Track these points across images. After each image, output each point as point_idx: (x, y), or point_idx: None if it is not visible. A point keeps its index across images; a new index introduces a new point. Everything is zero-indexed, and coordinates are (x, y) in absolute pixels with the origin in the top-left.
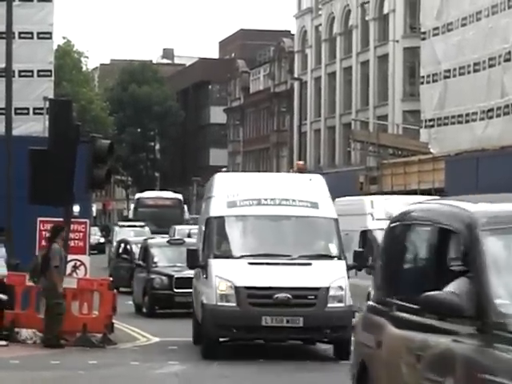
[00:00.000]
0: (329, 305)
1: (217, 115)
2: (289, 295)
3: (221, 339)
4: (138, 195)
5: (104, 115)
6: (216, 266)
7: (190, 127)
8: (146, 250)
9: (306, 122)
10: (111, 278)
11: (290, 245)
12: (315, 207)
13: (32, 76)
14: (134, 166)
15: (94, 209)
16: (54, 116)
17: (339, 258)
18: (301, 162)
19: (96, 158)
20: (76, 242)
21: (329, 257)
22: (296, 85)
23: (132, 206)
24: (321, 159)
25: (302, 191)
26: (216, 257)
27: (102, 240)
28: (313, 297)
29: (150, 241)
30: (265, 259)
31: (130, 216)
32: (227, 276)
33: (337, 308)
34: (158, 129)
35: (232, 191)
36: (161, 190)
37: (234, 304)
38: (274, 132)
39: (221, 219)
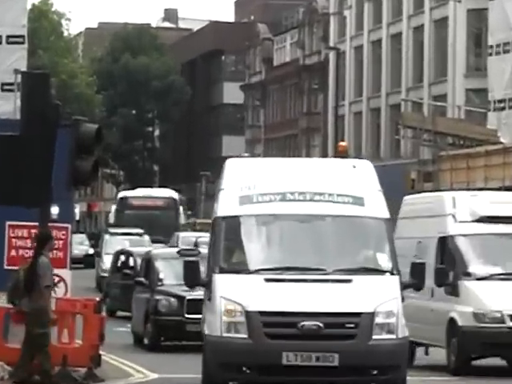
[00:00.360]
0: (374, 336)
1: (232, 93)
2: (319, 323)
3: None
4: (121, 194)
5: (90, 92)
6: (221, 283)
7: (198, 108)
8: (148, 263)
9: (343, 103)
10: (106, 298)
11: (323, 255)
12: (360, 204)
13: (0, 43)
14: (127, 157)
15: (77, 211)
16: (28, 93)
17: (391, 273)
18: (343, 143)
19: (80, 147)
20: (54, 252)
21: (377, 271)
22: (331, 56)
23: (113, 207)
24: (362, 149)
25: (342, 182)
26: (223, 271)
27: (92, 251)
28: (352, 325)
29: (154, 252)
30: (288, 274)
31: (111, 220)
32: (236, 297)
33: (386, 341)
34: (157, 110)
35: (247, 182)
36: (160, 186)
37: (245, 335)
38: (303, 115)
39: (231, 220)
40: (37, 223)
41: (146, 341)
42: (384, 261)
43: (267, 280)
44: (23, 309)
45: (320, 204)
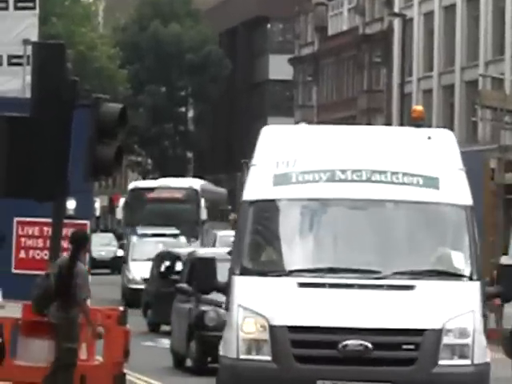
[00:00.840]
0: (441, 362)
1: (279, 68)
2: (367, 343)
3: None
4: (132, 184)
5: (112, 67)
6: (241, 287)
7: (239, 85)
8: (193, 267)
9: (410, 79)
10: (148, 310)
11: (379, 252)
12: (433, 186)
13: (6, 9)
14: (156, 143)
15: (97, 205)
16: (40, 67)
17: (470, 278)
18: (419, 108)
19: (101, 130)
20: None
21: (450, 275)
22: (396, 23)
23: (122, 200)
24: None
25: (411, 157)
26: (245, 272)
27: (121, 253)
28: (412, 347)
29: (199, 252)
30: (330, 278)
31: (119, 216)
32: (258, 306)
33: (456, 368)
34: (191, 87)
35: (286, 156)
36: (195, 176)
37: (269, 357)
38: (363, 93)
39: (261, 205)
40: (50, 219)
41: (188, 362)
42: (461, 262)
43: (301, 285)
44: (51, 320)
45: (380, 186)
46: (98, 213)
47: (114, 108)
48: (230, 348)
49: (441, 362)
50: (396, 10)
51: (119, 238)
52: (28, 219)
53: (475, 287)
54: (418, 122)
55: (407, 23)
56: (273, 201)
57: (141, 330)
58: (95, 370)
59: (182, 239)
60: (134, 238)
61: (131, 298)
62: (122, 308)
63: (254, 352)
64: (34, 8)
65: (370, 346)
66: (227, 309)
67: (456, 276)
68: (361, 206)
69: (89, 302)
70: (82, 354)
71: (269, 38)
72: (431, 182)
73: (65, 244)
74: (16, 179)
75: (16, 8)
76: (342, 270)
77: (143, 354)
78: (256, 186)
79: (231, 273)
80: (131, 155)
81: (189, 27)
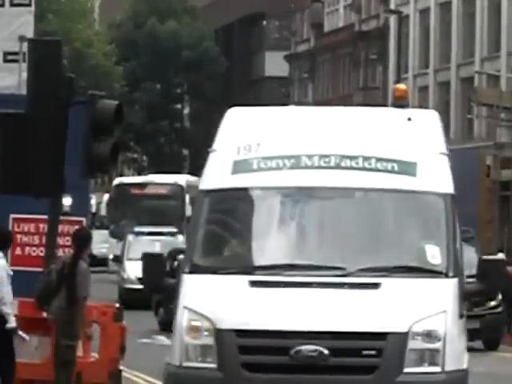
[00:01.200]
0: (407, 369)
1: (275, 65)
2: (323, 349)
3: None
4: (117, 180)
5: (108, 64)
6: (189, 287)
7: (236, 82)
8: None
9: (406, 76)
10: (159, 309)
11: (345, 247)
12: (410, 172)
13: (2, 6)
14: (151, 139)
15: (92, 202)
16: (36, 64)
17: (446, 275)
18: (402, 86)
19: (97, 127)
20: (66, 250)
21: (423, 271)
22: (392, 20)
23: (106, 196)
24: None
25: (387, 141)
26: (195, 270)
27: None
28: (373, 352)
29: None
30: (287, 275)
31: (102, 212)
32: (205, 308)
33: (424, 375)
34: (187, 84)
35: (248, 141)
36: (190, 173)
37: (214, 365)
38: (359, 90)
39: (216, 196)
40: (46, 216)
41: None
42: (437, 256)
43: (253, 283)
44: (51, 316)
45: (349, 172)
46: (93, 209)
47: (109, 105)
48: (174, 354)
49: (406, 370)
50: (392, 6)
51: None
52: (24, 216)
53: (450, 285)
54: (401, 102)
55: (403, 20)
56: (230, 190)
57: (152, 329)
58: (91, 367)
59: (180, 238)
60: (130, 237)
61: (127, 298)
62: (117, 305)
63: (198, 359)
64: (29, 5)
65: (325, 351)
66: (175, 311)
67: (429, 272)
68: (327, 195)
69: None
70: (78, 351)
71: (265, 35)
72: (408, 168)
73: (61, 241)
74: (12, 176)
75: (12, 5)
76: (302, 267)
77: (140, 352)
78: (213, 174)
79: (182, 270)
80: (127, 152)
81: (185, 24)
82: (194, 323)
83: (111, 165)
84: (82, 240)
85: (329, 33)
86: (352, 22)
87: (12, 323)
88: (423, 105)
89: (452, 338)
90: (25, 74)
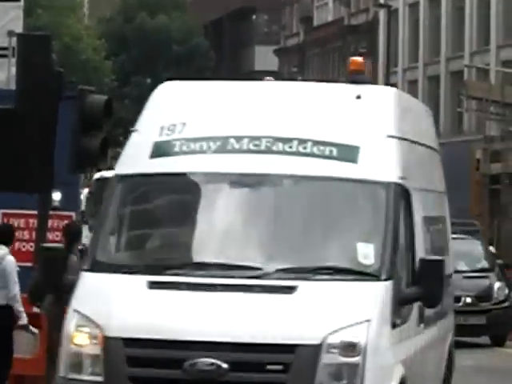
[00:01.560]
0: None
1: (264, 59)
2: (220, 362)
3: None
4: (97, 175)
5: (98, 58)
6: (83, 288)
7: (225, 76)
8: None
9: (396, 70)
10: None
11: (263, 244)
12: (350, 158)
13: None
14: None
15: (82, 197)
16: (24, 59)
17: (377, 277)
18: (359, 59)
19: (86, 122)
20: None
21: (349, 273)
22: (382, 14)
23: (85, 191)
24: None
25: (329, 122)
26: (96, 267)
27: None
28: (279, 367)
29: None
30: (191, 276)
31: (82, 207)
32: (95, 313)
33: None
34: (177, 78)
35: (173, 120)
36: None
37: (100, 378)
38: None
39: (130, 182)
40: (36, 211)
41: None
42: (369, 256)
43: (152, 285)
44: (43, 312)
45: (280, 157)
46: (84, 205)
47: (99, 99)
48: (61, 364)
49: None
50: (381, 0)
51: None
52: (13, 211)
53: (380, 289)
54: (357, 77)
55: (392, 14)
56: (146, 176)
57: None
58: None
59: None
60: None
61: None
62: None
63: (84, 371)
64: (19, 0)
65: (224, 365)
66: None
67: (358, 274)
68: (251, 182)
69: None
70: None
71: (254, 29)
72: (348, 153)
73: (51, 236)
74: (1, 171)
75: (1, 0)
76: (212, 266)
77: None
78: (130, 157)
79: (82, 268)
80: (117, 147)
81: (175, 18)
82: (82, 329)
83: (101, 160)
84: (72, 235)
85: (318, 27)
86: (341, 16)
87: (24, 320)
88: None
89: (376, 351)
90: (14, 69)
